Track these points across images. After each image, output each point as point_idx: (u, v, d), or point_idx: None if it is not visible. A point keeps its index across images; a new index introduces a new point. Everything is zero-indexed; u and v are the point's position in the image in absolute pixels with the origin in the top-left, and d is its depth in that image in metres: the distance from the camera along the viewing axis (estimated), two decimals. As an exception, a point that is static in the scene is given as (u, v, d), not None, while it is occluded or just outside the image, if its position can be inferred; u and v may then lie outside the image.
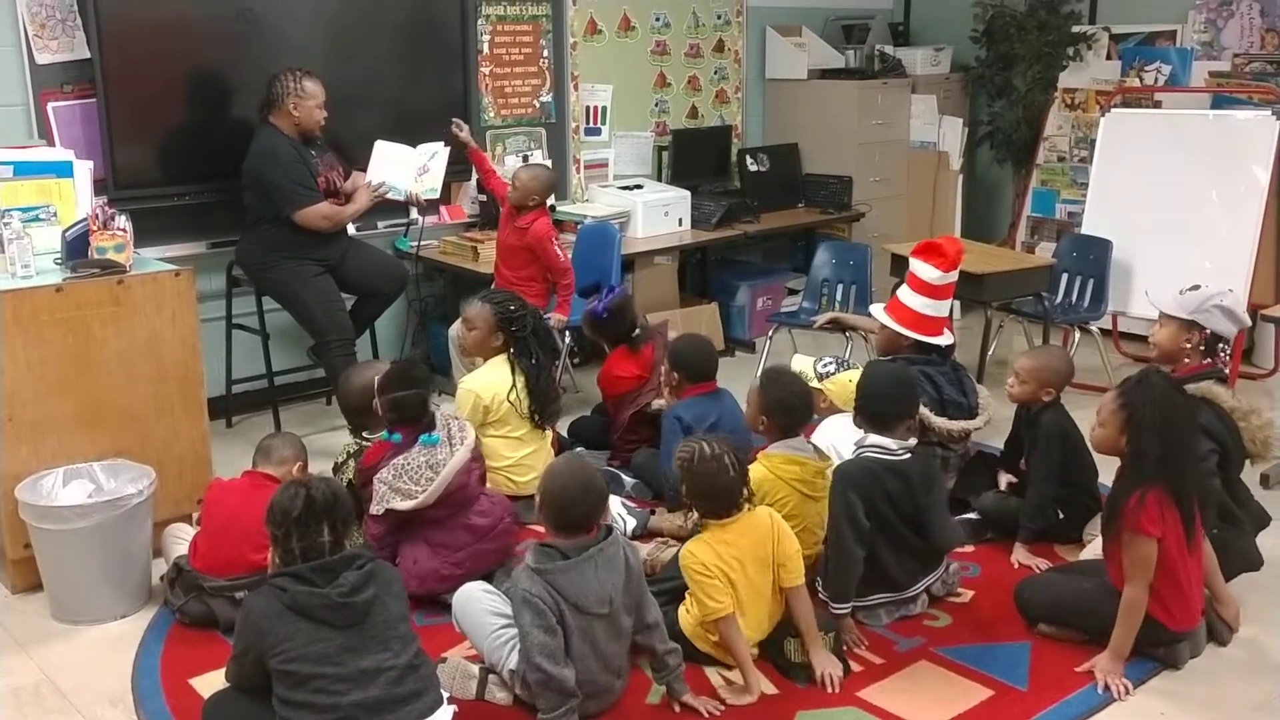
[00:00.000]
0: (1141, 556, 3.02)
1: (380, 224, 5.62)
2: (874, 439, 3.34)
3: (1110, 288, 5.59)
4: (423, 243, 5.71)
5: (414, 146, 5.17)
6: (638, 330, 4.68)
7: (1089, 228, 5.85)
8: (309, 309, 4.79)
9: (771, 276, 6.92)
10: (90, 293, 3.68)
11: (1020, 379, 3.86)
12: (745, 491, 3.12)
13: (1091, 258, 5.64)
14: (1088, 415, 3.40)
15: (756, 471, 3.39)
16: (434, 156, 5.17)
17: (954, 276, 4.26)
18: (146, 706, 3.05)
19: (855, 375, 3.87)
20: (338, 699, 2.48)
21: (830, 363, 3.91)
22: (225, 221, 4.99)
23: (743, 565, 3.08)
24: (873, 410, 3.39)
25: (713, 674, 3.13)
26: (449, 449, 3.49)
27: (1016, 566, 3.77)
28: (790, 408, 3.56)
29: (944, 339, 4.27)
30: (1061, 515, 3.83)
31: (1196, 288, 3.74)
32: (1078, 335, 5.49)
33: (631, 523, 4.02)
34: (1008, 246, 6.84)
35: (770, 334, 5.87)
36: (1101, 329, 5.64)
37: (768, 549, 3.12)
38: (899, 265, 4.75)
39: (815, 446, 3.59)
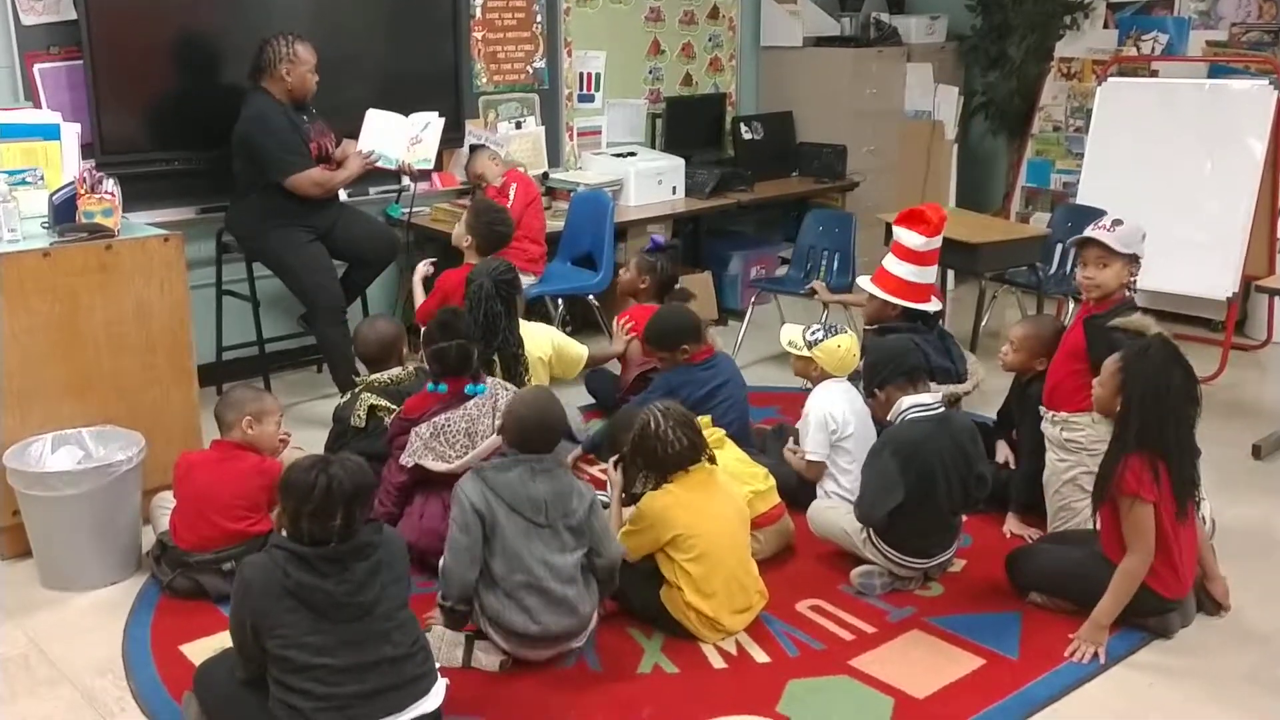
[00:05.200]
0: (1137, 522, 3.02)
1: (372, 190, 5.58)
2: (910, 399, 3.35)
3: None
4: (414, 210, 5.66)
5: (406, 115, 5.11)
6: (678, 287, 4.69)
7: (1084, 198, 5.82)
8: (299, 277, 4.75)
9: (764, 246, 6.89)
10: (78, 258, 3.64)
11: (1014, 347, 3.86)
12: (698, 452, 3.20)
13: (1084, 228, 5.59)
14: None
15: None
16: (427, 127, 5.12)
17: (938, 243, 4.24)
18: (137, 675, 3.04)
19: (844, 341, 3.87)
20: (334, 689, 2.45)
21: (819, 329, 3.89)
22: (215, 187, 4.94)
23: (702, 512, 3.13)
24: (899, 372, 3.40)
25: (709, 650, 3.13)
26: (492, 420, 3.47)
27: (1008, 536, 3.78)
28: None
29: (931, 306, 4.25)
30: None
31: (1120, 222, 3.58)
32: (1072, 305, 5.46)
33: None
34: (1002, 217, 6.82)
35: (753, 300, 5.86)
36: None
37: (732, 494, 3.25)
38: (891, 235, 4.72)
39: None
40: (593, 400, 4.93)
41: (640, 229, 6.05)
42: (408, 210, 5.66)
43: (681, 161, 6.32)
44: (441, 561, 2.99)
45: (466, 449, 3.45)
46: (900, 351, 3.50)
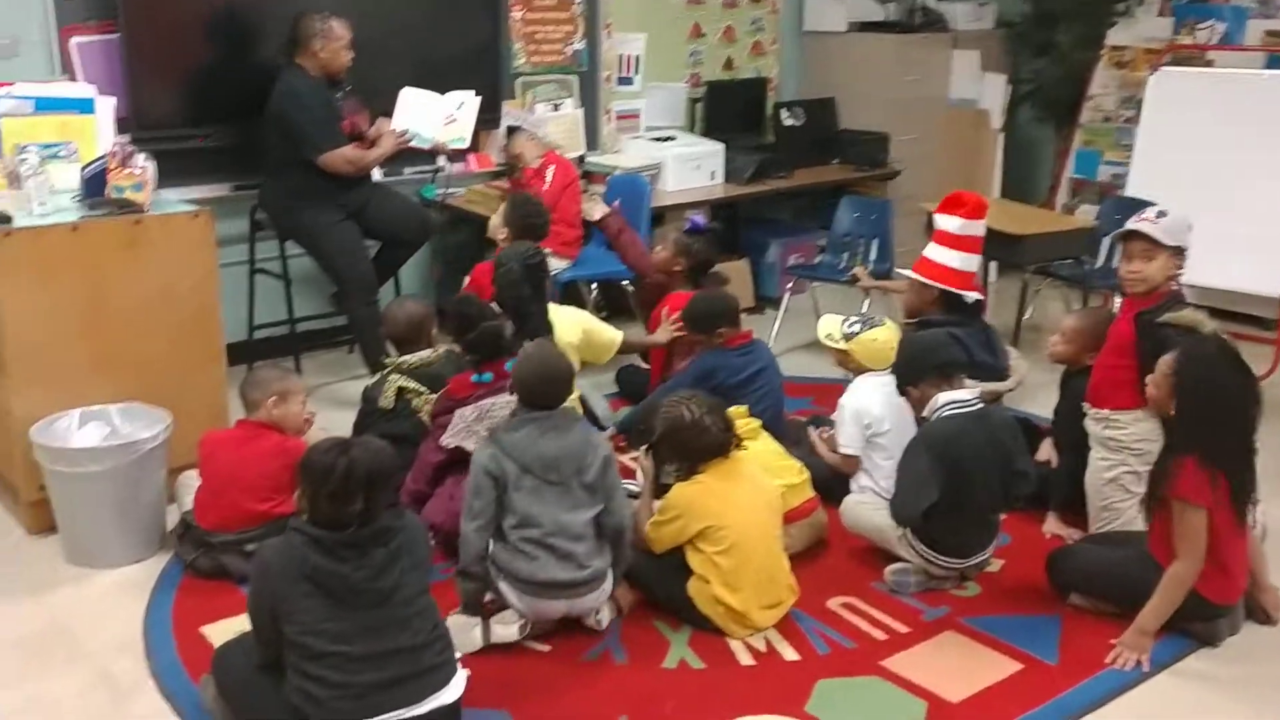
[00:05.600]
0: (1190, 527, 2.91)
1: (406, 171, 5.51)
2: (945, 396, 3.26)
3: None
4: (449, 191, 5.61)
5: (442, 94, 5.05)
6: (713, 271, 4.63)
7: (1133, 190, 5.65)
8: (331, 256, 4.71)
9: (802, 234, 6.76)
10: (107, 232, 3.61)
11: (1065, 339, 3.74)
12: (730, 442, 3.13)
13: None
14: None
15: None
16: (462, 106, 5.05)
17: (978, 228, 4.13)
18: (157, 655, 3.01)
19: (882, 333, 3.78)
20: (351, 677, 2.39)
21: (856, 322, 3.79)
22: (249, 164, 4.89)
23: (733, 502, 3.05)
24: (931, 367, 3.30)
25: (737, 646, 3.06)
26: None
27: (1048, 536, 3.68)
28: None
29: (971, 295, 4.14)
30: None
31: (1164, 213, 3.45)
32: (1117, 300, 5.31)
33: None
34: (1047, 209, 6.66)
35: (789, 286, 5.76)
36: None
37: (764, 485, 3.17)
38: (929, 227, 4.60)
39: None
40: (617, 390, 4.84)
41: (677, 214, 5.95)
42: (442, 191, 5.61)
43: (721, 147, 6.22)
44: (461, 526, 2.98)
45: None
46: (932, 346, 3.40)
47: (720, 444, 3.08)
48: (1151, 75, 5.74)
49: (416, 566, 2.53)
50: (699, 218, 4.68)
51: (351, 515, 2.43)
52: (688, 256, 4.60)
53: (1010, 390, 4.05)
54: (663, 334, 4.52)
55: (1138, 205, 5.49)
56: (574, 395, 4.13)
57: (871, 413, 3.64)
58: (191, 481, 3.54)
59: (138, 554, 3.51)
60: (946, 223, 4.06)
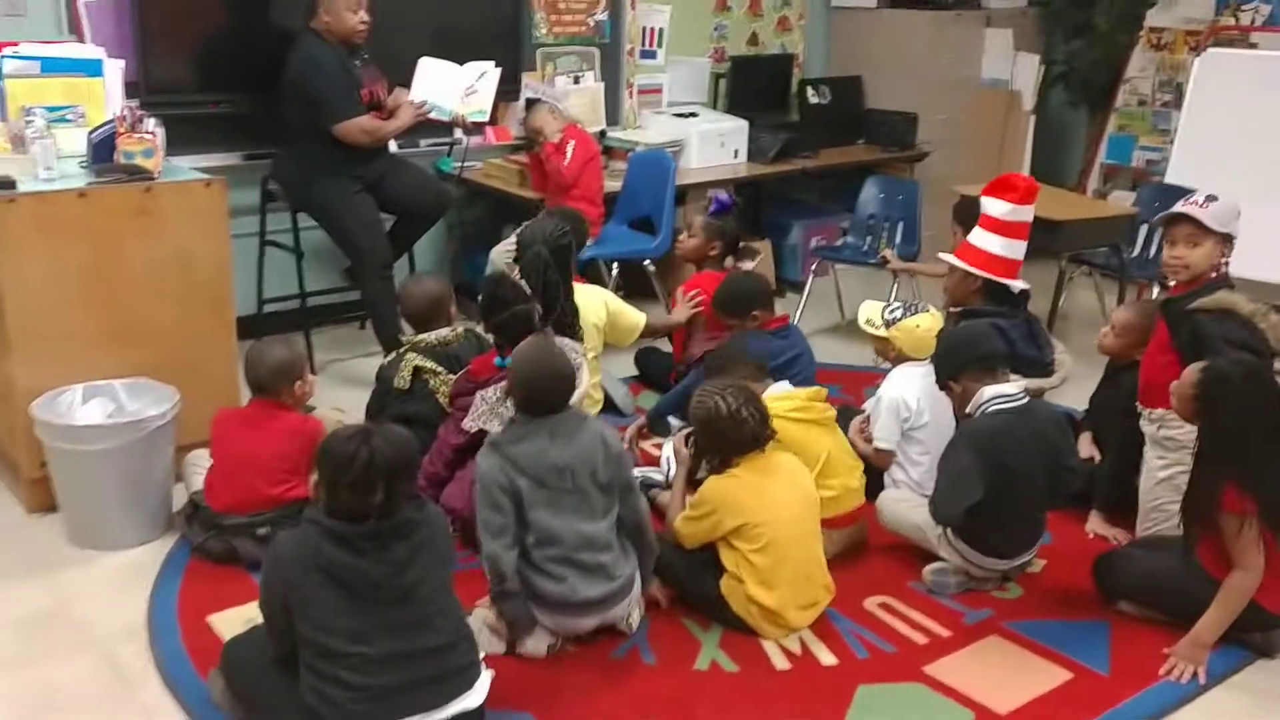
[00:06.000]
0: (1247, 538, 2.76)
1: (423, 142, 5.35)
2: (991, 390, 3.10)
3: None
4: (466, 164, 5.44)
5: (461, 64, 4.87)
6: (742, 245, 4.49)
7: (1173, 177, 5.48)
8: (347, 229, 4.54)
9: (826, 216, 6.59)
10: (116, 199, 3.45)
11: (1116, 332, 3.59)
12: (767, 434, 2.96)
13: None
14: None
15: None
16: (483, 77, 4.87)
17: (1027, 214, 3.95)
18: (162, 643, 2.87)
19: (925, 320, 3.62)
20: (371, 679, 2.25)
21: (898, 308, 3.63)
22: (262, 133, 4.74)
23: (769, 498, 2.90)
24: (973, 361, 3.15)
25: (771, 648, 2.91)
26: None
27: (1091, 536, 3.53)
28: (743, 361, 3.37)
29: (1017, 284, 3.97)
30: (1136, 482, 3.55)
31: (1214, 198, 3.29)
32: (1156, 291, 5.15)
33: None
34: (1078, 194, 6.48)
35: (813, 268, 5.60)
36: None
37: (801, 479, 3.02)
38: (964, 208, 4.42)
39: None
40: (638, 374, 4.69)
41: (700, 192, 5.77)
42: (459, 164, 5.44)
43: (745, 124, 6.05)
44: (482, 547, 2.77)
45: None
46: (973, 338, 3.24)
47: (756, 436, 2.92)
48: (1197, 57, 5.54)
49: (439, 562, 2.38)
50: (722, 195, 4.50)
51: (371, 507, 2.28)
52: (721, 238, 4.44)
53: (1055, 386, 3.88)
54: (681, 312, 4.38)
55: (1179, 192, 5.29)
56: (595, 380, 4.01)
57: (909, 405, 3.49)
58: (201, 461, 3.39)
59: (143, 536, 3.36)
60: (994, 207, 3.88)
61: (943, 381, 3.23)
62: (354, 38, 4.43)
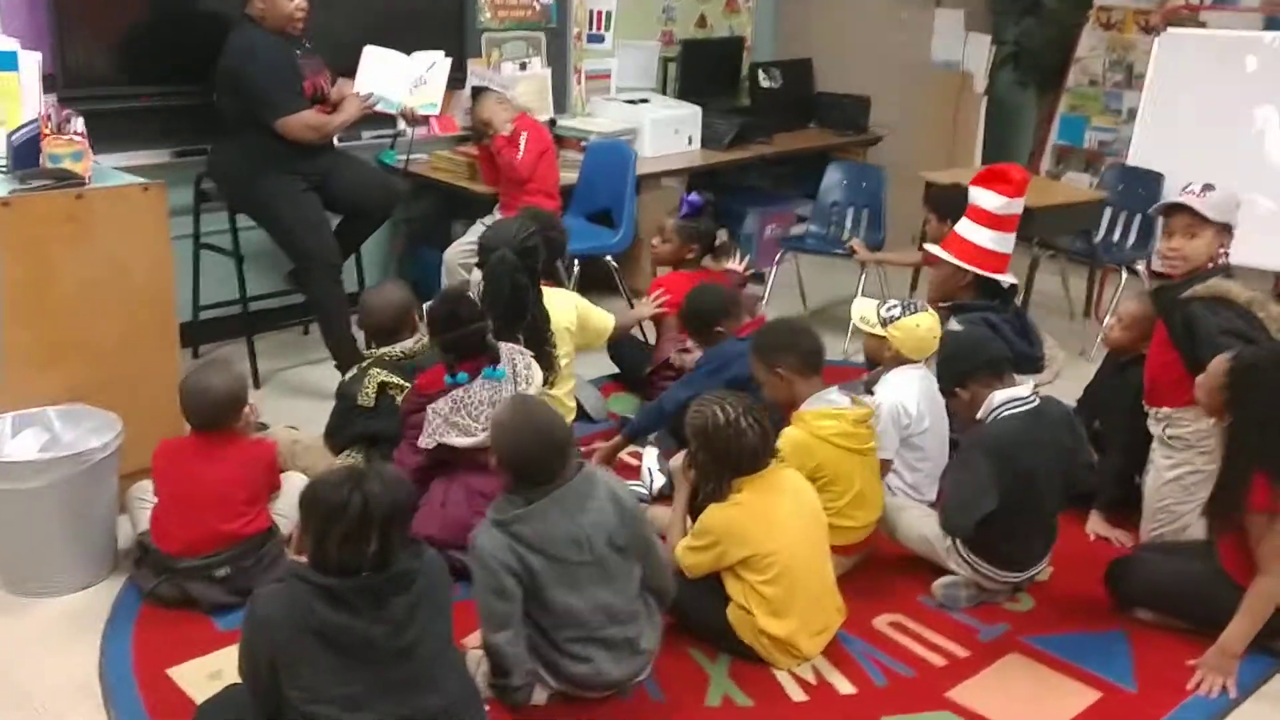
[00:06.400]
0: (1277, 540, 2.64)
1: (365, 135, 5.05)
2: (1002, 394, 2.95)
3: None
4: (411, 157, 5.16)
5: (407, 53, 4.58)
6: (719, 242, 4.32)
7: (1136, 159, 5.40)
8: (291, 230, 4.24)
9: (781, 203, 6.44)
10: (44, 208, 3.14)
11: (1123, 324, 3.46)
12: (769, 447, 2.76)
13: (1141, 192, 5.20)
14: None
15: (793, 437, 2.99)
16: (432, 67, 4.58)
17: (1019, 206, 3.82)
18: (118, 703, 2.59)
19: (925, 320, 3.45)
20: None
21: (895, 306, 3.45)
22: (194, 128, 4.42)
23: (776, 523, 2.70)
24: (981, 365, 3.00)
25: (784, 678, 2.73)
26: (513, 386, 3.09)
27: (1093, 538, 3.41)
28: (794, 346, 3.14)
29: (1006, 278, 3.84)
30: (1139, 481, 3.44)
31: (1211, 187, 3.19)
32: (1124, 277, 5.07)
33: (660, 480, 3.59)
34: (1035, 177, 6.38)
35: (777, 260, 5.43)
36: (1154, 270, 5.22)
37: (807, 497, 2.81)
38: (943, 197, 4.29)
39: (853, 396, 3.15)
40: (616, 371, 4.48)
41: (654, 182, 5.58)
42: (404, 157, 5.15)
43: (698, 110, 5.84)
44: (482, 637, 2.51)
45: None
46: (979, 342, 3.11)
47: (756, 451, 2.71)
48: (1158, 37, 5.46)
49: (440, 614, 2.16)
50: (694, 196, 4.30)
51: (365, 558, 2.04)
52: (697, 240, 4.24)
53: (1049, 382, 3.76)
54: (644, 309, 4.19)
55: (1143, 175, 5.29)
56: (569, 388, 3.79)
57: (909, 411, 3.33)
58: (146, 494, 3.10)
59: (87, 579, 3.07)
60: (986, 199, 3.73)
61: (949, 388, 3.08)
62: (290, 26, 4.12)
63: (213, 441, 2.98)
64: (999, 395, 2.94)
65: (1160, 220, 3.35)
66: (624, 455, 3.81)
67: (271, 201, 4.23)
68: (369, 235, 4.70)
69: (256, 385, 4.51)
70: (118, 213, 3.25)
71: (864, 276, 5.02)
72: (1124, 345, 3.48)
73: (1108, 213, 5.29)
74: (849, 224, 5.40)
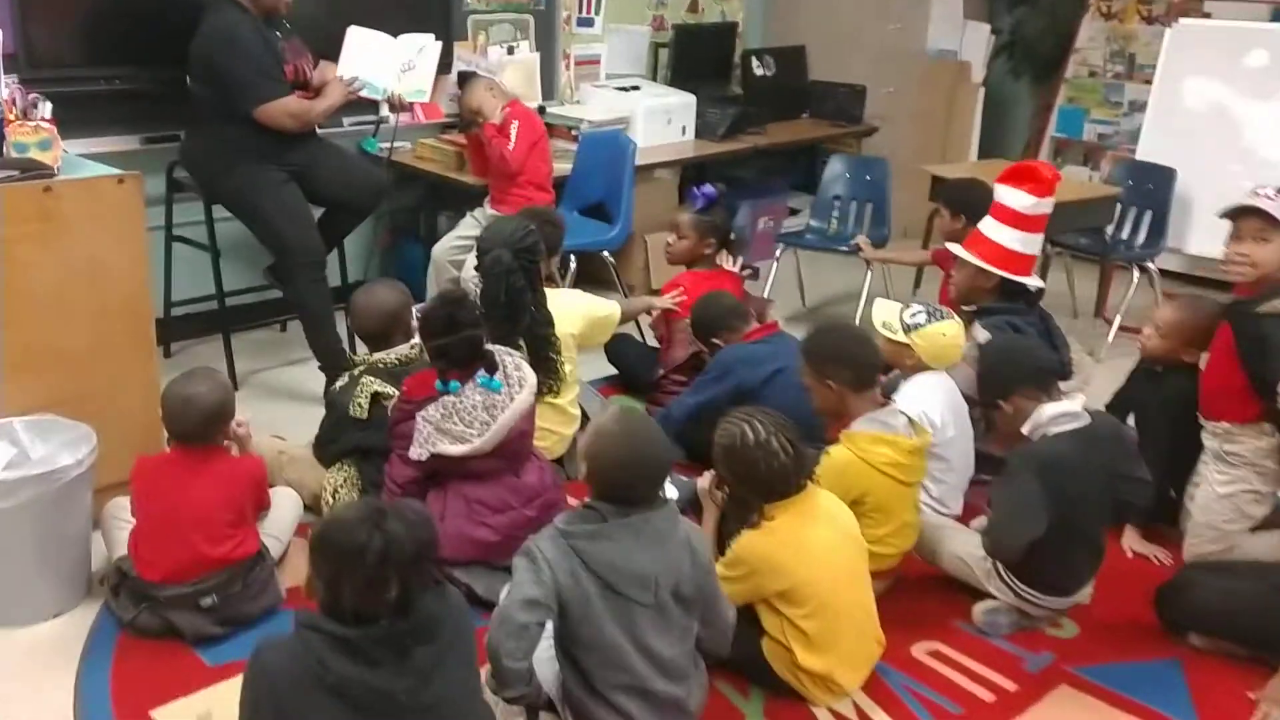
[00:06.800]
0: None
1: (346, 121, 4.78)
2: (1051, 409, 2.76)
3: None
4: (395, 145, 4.91)
5: (394, 35, 4.32)
6: (734, 236, 4.14)
7: (1146, 153, 5.26)
8: (273, 224, 3.98)
9: (772, 195, 6.25)
10: (10, 202, 2.87)
11: (1160, 332, 3.28)
12: (804, 469, 2.54)
13: (1151, 187, 5.06)
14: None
15: (838, 457, 2.79)
16: (421, 51, 4.33)
17: (1049, 206, 3.64)
18: (98, 749, 2.36)
19: (950, 327, 3.26)
20: None
21: (920, 311, 3.26)
22: (165, 113, 4.15)
23: (814, 552, 2.49)
24: (1026, 377, 2.82)
25: (824, 715, 2.53)
26: (508, 390, 2.87)
27: (1129, 554, 3.24)
28: (849, 358, 2.94)
29: (1033, 281, 3.66)
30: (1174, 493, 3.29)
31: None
32: (1137, 275, 4.92)
33: (672, 494, 3.38)
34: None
35: (777, 256, 5.22)
36: (1161, 268, 5.08)
37: (845, 521, 2.60)
38: (961, 192, 4.12)
39: (908, 416, 2.96)
40: (614, 372, 4.27)
41: (647, 174, 5.36)
42: (387, 145, 4.90)
43: (692, 98, 5.62)
44: (487, 637, 2.24)
45: (487, 424, 2.84)
46: (1023, 351, 2.93)
47: (787, 475, 2.49)
48: (1170, 28, 5.31)
49: (467, 663, 1.95)
50: (708, 187, 4.09)
51: (384, 605, 1.82)
52: (714, 233, 4.04)
53: (1078, 390, 3.58)
54: (659, 299, 4.00)
55: (1154, 170, 5.13)
56: (573, 396, 3.57)
57: (934, 421, 3.14)
58: (122, 513, 2.85)
59: (59, 605, 2.82)
60: (1014, 198, 3.54)
61: (990, 400, 2.89)
62: (279, 7, 3.87)
63: (196, 457, 2.74)
64: (1048, 410, 2.76)
65: (1229, 225, 3.10)
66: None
67: (250, 193, 3.97)
68: (352, 229, 4.44)
69: (235, 388, 4.24)
70: (89, 207, 2.98)
71: (870, 275, 4.84)
72: (1160, 354, 3.30)
73: (1116, 209, 5.13)
74: (851, 219, 5.20)
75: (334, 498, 3.14)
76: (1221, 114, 5.09)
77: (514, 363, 2.96)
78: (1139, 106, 6.05)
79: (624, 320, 3.93)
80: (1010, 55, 6.70)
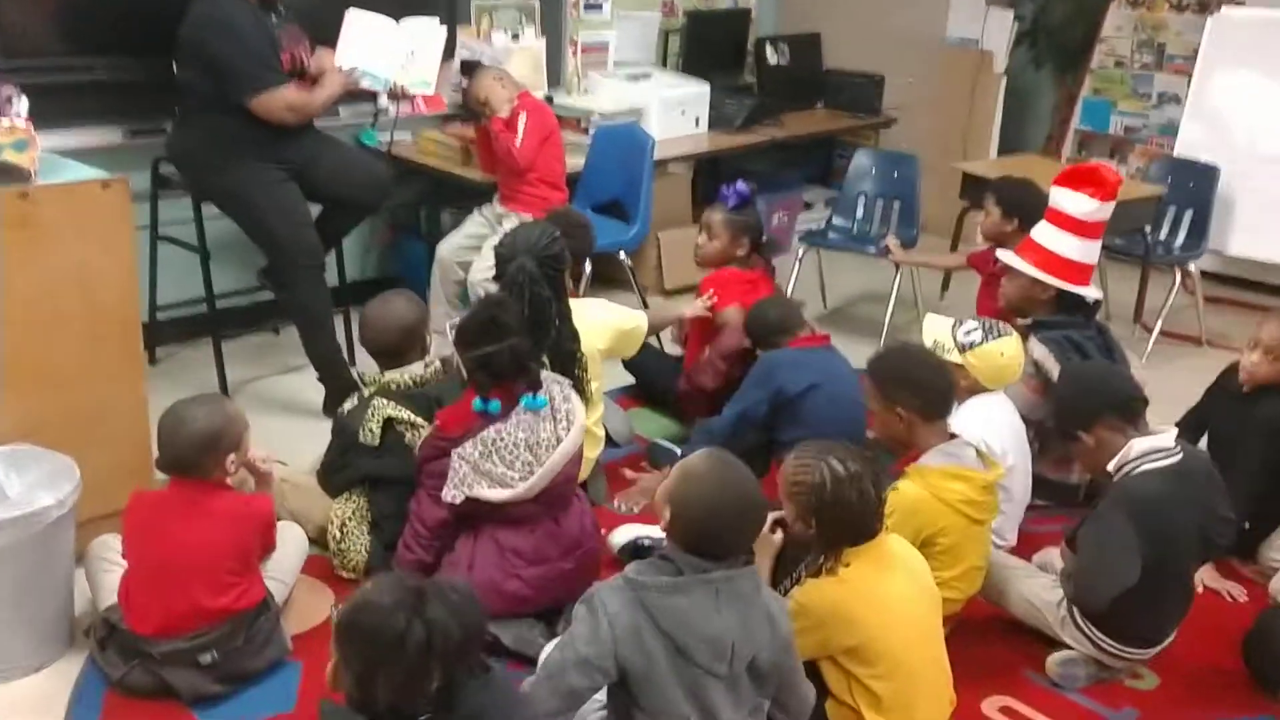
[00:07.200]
0: None
1: (343, 111, 4.48)
2: (1143, 444, 2.51)
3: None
4: (395, 138, 4.62)
5: (396, 20, 4.03)
6: (766, 237, 3.93)
7: (1184, 150, 5.02)
8: (269, 223, 3.69)
9: (786, 189, 5.97)
10: (-18, 208, 2.59)
11: (1272, 355, 2.97)
12: (880, 513, 2.29)
13: (1192, 186, 4.82)
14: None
15: (909, 493, 2.54)
16: (424, 39, 4.03)
17: (1109, 211, 3.40)
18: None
19: (1009, 346, 3.01)
20: None
21: (975, 329, 3.01)
22: (151, 104, 3.90)
23: (890, 606, 2.25)
24: (1111, 407, 2.57)
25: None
26: (553, 423, 2.59)
27: (1201, 590, 3.00)
28: (923, 384, 2.69)
29: (1091, 292, 3.42)
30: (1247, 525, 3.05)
31: None
32: (1178, 278, 4.69)
33: None
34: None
35: (799, 256, 4.96)
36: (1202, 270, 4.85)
37: (920, 570, 2.36)
38: (1013, 192, 3.88)
39: (976, 448, 2.71)
40: (631, 381, 4.01)
41: (660, 169, 5.07)
42: (386, 138, 4.62)
43: (706, 88, 5.34)
44: (530, 689, 2.02)
45: (530, 467, 2.56)
46: (1107, 379, 2.67)
47: (869, 519, 2.26)
48: (1211, 17, 5.06)
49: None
50: (740, 184, 3.83)
51: (424, 697, 1.56)
52: (748, 233, 3.78)
53: (1139, 412, 3.34)
54: (693, 305, 3.74)
55: (1195, 168, 4.89)
56: (597, 416, 3.31)
57: (994, 449, 2.88)
58: (110, 553, 2.58)
59: (39, 659, 2.54)
60: (1075, 203, 3.29)
61: (1069, 431, 2.64)
62: None
63: (197, 494, 2.46)
64: (1138, 445, 2.51)
65: None
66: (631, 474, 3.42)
67: (244, 191, 3.67)
68: (351, 230, 4.17)
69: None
70: (73, 214, 2.70)
71: (898, 279, 4.59)
72: (1268, 379, 3.02)
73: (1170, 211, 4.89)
74: (877, 218, 4.94)
75: (341, 531, 2.88)
76: (1265, 108, 4.85)
77: (562, 393, 2.67)
78: (1169, 99, 5.82)
79: (652, 331, 3.67)
80: (1032, 44, 6.43)
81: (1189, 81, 5.51)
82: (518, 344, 2.63)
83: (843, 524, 2.23)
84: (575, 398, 2.72)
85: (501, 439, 2.58)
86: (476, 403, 2.60)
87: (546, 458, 2.58)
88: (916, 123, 6.10)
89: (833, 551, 2.26)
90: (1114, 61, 6.08)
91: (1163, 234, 4.90)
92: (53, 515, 2.45)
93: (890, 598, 2.25)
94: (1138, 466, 2.51)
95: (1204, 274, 5.04)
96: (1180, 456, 2.53)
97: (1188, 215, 4.83)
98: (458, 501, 2.59)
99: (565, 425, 2.63)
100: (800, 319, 3.46)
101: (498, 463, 2.58)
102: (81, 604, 2.68)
